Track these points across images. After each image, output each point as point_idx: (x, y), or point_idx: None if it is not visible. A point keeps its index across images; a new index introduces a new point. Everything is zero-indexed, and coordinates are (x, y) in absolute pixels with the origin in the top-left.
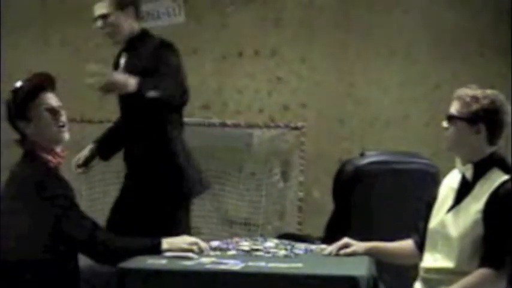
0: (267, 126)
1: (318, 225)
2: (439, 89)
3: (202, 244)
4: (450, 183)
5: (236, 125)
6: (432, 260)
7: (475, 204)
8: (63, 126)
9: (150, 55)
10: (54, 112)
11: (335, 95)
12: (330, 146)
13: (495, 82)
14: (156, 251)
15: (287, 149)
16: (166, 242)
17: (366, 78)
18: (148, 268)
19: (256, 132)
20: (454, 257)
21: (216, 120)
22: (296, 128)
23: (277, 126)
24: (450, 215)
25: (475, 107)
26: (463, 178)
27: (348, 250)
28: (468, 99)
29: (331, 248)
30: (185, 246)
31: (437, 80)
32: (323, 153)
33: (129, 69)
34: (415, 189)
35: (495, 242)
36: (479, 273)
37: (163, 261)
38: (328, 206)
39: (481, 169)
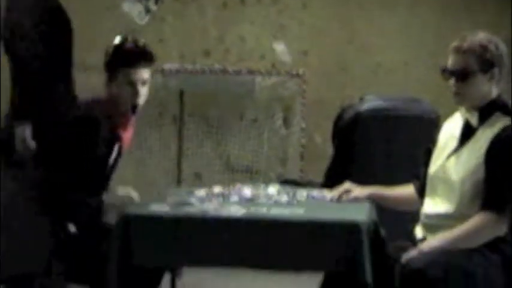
0: (269, 73)
1: (320, 171)
2: (441, 36)
3: (133, 194)
4: (451, 128)
5: (238, 72)
6: (432, 205)
7: (477, 149)
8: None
9: None
10: (134, 86)
11: (337, 42)
12: (331, 92)
13: (496, 28)
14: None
15: (289, 95)
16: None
17: (368, 25)
18: (152, 215)
19: (258, 79)
20: (455, 201)
21: (217, 67)
22: (298, 75)
23: (279, 73)
24: (451, 159)
25: (487, 55)
26: (466, 123)
27: (349, 196)
28: (477, 49)
29: (333, 193)
30: (125, 198)
31: (439, 26)
32: (325, 99)
33: None
34: (415, 135)
35: (496, 185)
36: (480, 216)
37: (167, 208)
38: (330, 152)
39: (485, 114)
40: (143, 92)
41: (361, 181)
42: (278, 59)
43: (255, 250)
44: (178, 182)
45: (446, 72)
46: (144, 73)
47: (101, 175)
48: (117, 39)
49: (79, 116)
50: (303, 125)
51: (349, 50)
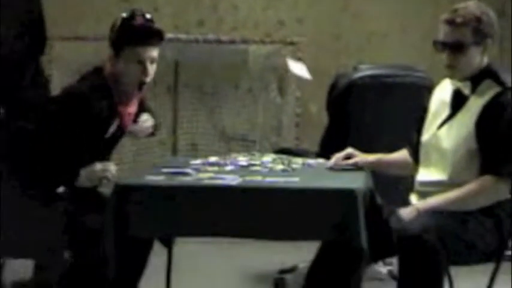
0: (263, 42)
1: (315, 140)
2: (436, 2)
3: (112, 167)
4: (442, 96)
5: (232, 41)
6: (426, 173)
7: (469, 117)
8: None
9: None
10: (142, 64)
11: (331, 9)
12: (326, 61)
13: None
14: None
15: (283, 64)
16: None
17: None
18: (147, 184)
19: (252, 48)
20: (447, 169)
21: (211, 36)
22: (292, 43)
23: (273, 42)
24: (444, 128)
25: (481, 27)
26: (457, 91)
27: (350, 161)
28: (472, 21)
29: (336, 157)
30: (99, 174)
31: None
32: (319, 68)
33: None
34: (409, 102)
35: (493, 150)
36: (481, 179)
37: (162, 177)
38: (325, 120)
39: (476, 82)
40: (152, 70)
41: (357, 149)
42: (298, 78)
43: (251, 219)
44: (174, 151)
45: (439, 45)
46: (154, 51)
47: (95, 150)
48: (125, 14)
49: (66, 94)
50: (298, 94)
51: (344, 17)
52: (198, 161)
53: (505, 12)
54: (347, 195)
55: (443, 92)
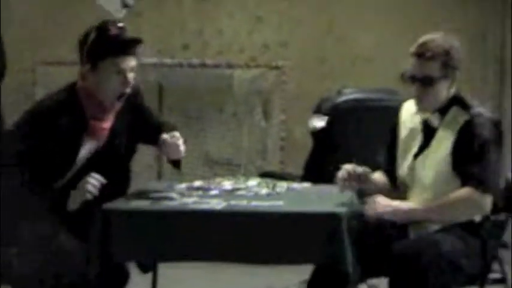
0: (248, 66)
1: (300, 163)
2: (420, 26)
3: (91, 179)
4: (412, 123)
5: (217, 65)
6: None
7: (443, 151)
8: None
9: None
10: (123, 75)
11: (315, 33)
12: (310, 84)
13: (473, 20)
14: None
15: (268, 88)
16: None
17: (346, 16)
18: (132, 209)
19: (237, 72)
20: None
21: (196, 61)
22: (277, 67)
23: (258, 66)
24: (419, 162)
25: (451, 61)
26: (426, 122)
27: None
28: (441, 56)
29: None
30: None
31: (418, 17)
32: (304, 92)
33: None
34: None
35: (470, 167)
36: (461, 191)
37: (147, 202)
38: (310, 144)
39: (444, 112)
40: (131, 79)
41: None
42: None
43: (236, 243)
44: (159, 176)
45: (408, 78)
46: (133, 60)
47: (66, 164)
48: (95, 27)
49: (30, 111)
50: (283, 118)
51: (328, 41)
52: (183, 186)
53: (486, 36)
54: (331, 219)
55: (412, 119)
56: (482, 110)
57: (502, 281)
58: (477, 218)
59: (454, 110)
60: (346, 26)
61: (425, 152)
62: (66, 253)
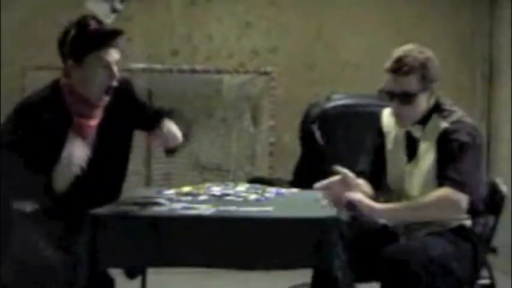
0: (237, 72)
1: (289, 169)
2: (409, 32)
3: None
4: (395, 133)
5: (206, 71)
6: None
7: (427, 159)
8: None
9: None
10: (108, 68)
11: (304, 39)
12: (299, 90)
13: (463, 24)
14: None
15: (257, 94)
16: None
17: (335, 22)
18: (120, 214)
19: (226, 77)
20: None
21: (185, 66)
22: (266, 73)
23: (247, 72)
24: (406, 172)
25: (428, 74)
26: (408, 133)
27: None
28: (418, 69)
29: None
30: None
31: (407, 23)
32: (293, 97)
33: None
34: None
35: (448, 168)
36: (439, 190)
37: (135, 207)
38: (299, 149)
39: (425, 122)
40: (117, 71)
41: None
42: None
43: (224, 249)
44: (148, 182)
45: (386, 94)
46: (115, 53)
47: (50, 161)
48: (74, 23)
49: (15, 109)
50: (272, 123)
51: (317, 47)
52: (172, 191)
53: (475, 39)
54: (320, 224)
55: (394, 128)
56: (461, 115)
57: (491, 286)
58: (468, 223)
59: (434, 118)
60: (335, 31)
61: (412, 163)
62: (48, 265)
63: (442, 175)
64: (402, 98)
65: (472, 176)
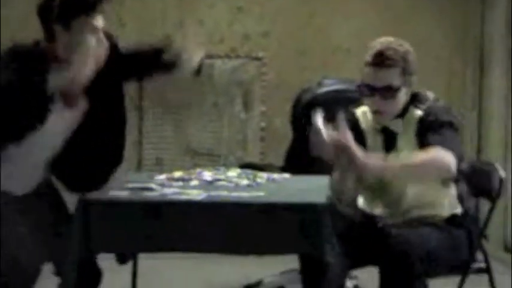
0: (228, 57)
1: (280, 154)
2: (401, 18)
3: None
4: (374, 127)
5: None
6: (376, 208)
7: (408, 148)
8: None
9: None
10: (96, 33)
11: (296, 24)
12: (291, 75)
13: (455, 11)
14: None
15: (248, 79)
16: None
17: (327, 7)
18: (111, 199)
19: (218, 63)
20: (400, 206)
21: None
22: (257, 58)
23: (239, 57)
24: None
25: (407, 65)
26: (386, 128)
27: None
28: (399, 63)
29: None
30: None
31: (399, 8)
32: (284, 83)
33: None
34: None
35: (433, 137)
36: (430, 150)
37: (126, 193)
38: (290, 135)
39: (403, 114)
40: (103, 38)
41: (320, 163)
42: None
43: (215, 234)
44: (139, 167)
45: (366, 89)
46: (101, 19)
47: (33, 118)
48: None
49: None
50: (263, 108)
51: (308, 32)
52: (163, 176)
53: (467, 27)
54: (311, 209)
55: (370, 126)
56: (432, 100)
57: (486, 270)
58: (458, 211)
59: (410, 110)
60: (326, 16)
61: (392, 155)
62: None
63: (427, 143)
64: (384, 93)
65: (455, 149)
